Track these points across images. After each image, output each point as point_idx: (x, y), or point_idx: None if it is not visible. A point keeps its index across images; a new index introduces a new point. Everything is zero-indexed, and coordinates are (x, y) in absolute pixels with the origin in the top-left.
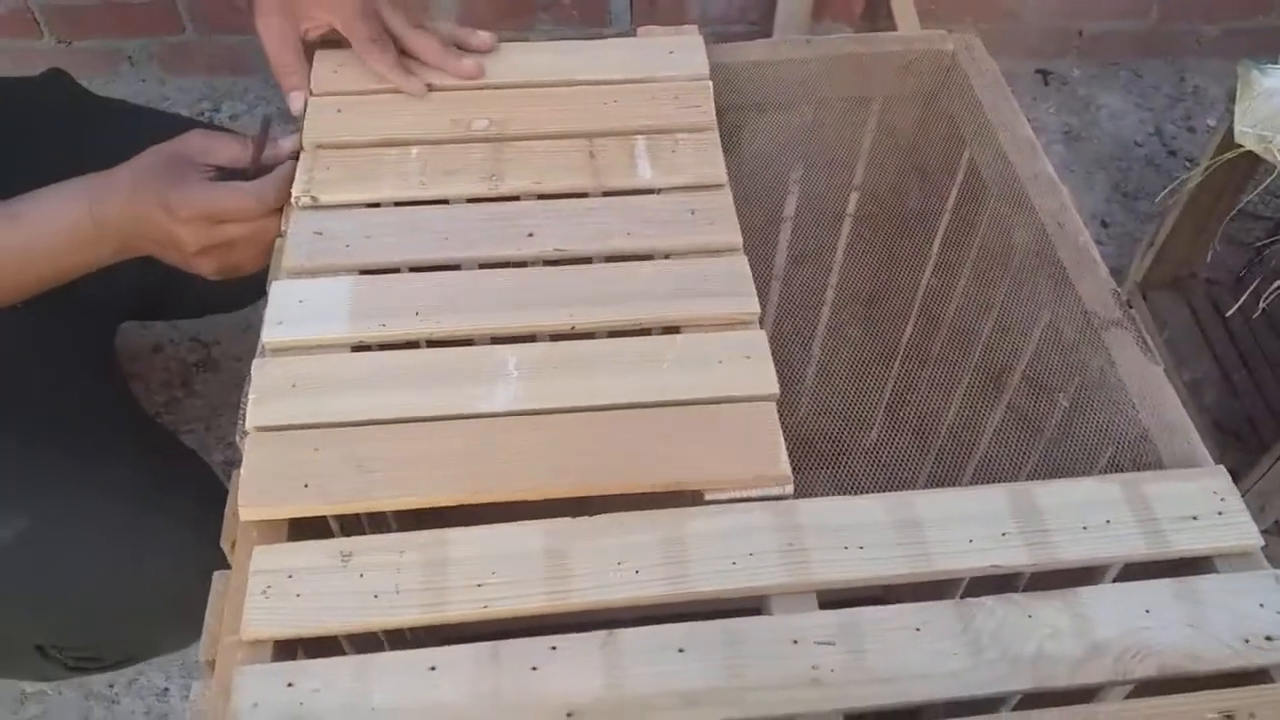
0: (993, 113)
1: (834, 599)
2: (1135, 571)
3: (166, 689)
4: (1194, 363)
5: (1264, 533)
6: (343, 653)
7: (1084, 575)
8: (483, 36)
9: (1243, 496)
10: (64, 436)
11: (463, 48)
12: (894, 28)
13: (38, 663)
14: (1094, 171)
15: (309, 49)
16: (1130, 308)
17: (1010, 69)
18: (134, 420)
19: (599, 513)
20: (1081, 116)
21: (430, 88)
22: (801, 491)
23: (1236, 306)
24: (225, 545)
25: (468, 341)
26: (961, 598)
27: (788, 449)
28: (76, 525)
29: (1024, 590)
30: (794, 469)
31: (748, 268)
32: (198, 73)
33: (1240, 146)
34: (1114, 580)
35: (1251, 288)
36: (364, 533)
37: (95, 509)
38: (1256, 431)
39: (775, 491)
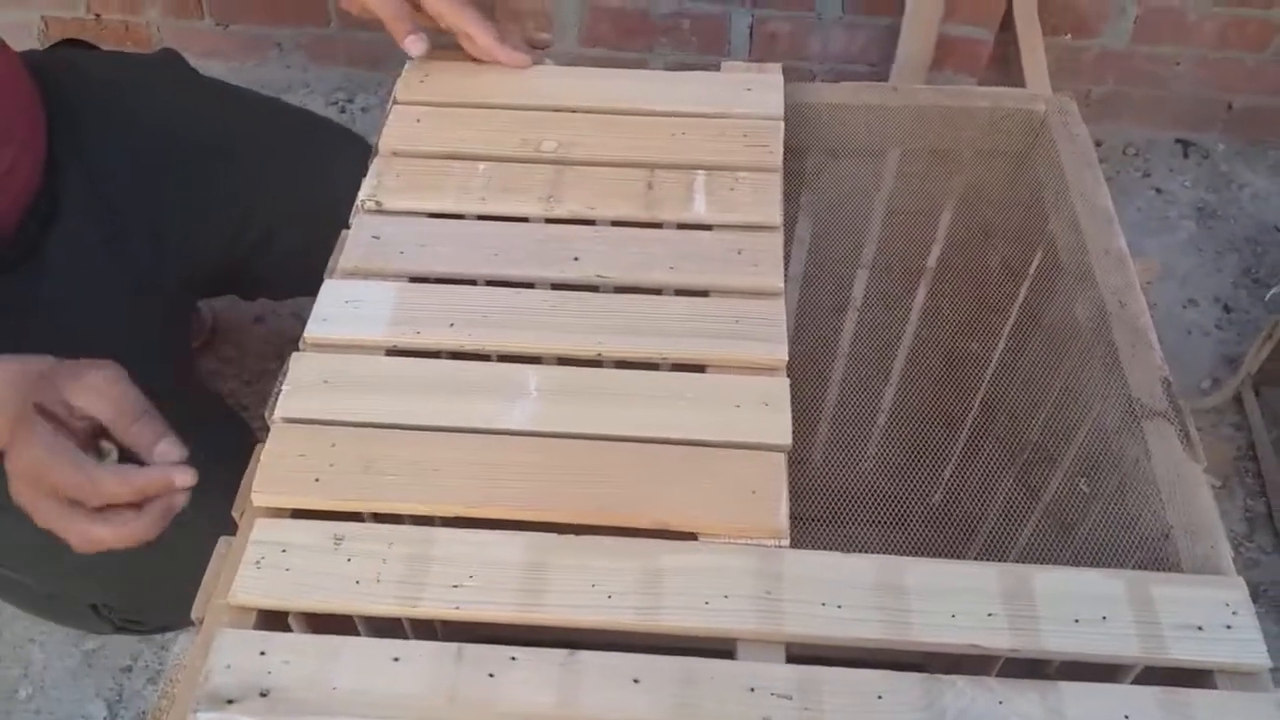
0: (1074, 180)
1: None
2: (1124, 676)
3: None
4: None
5: None
6: (353, 630)
7: (1074, 669)
8: (516, 56)
9: None
10: None
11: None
12: (1023, 83)
13: (91, 618)
14: (1225, 252)
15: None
16: (1176, 400)
17: (1149, 136)
18: (192, 388)
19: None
20: (1220, 194)
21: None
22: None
23: None
24: (235, 513)
25: (496, 357)
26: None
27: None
28: None
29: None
30: (796, 518)
31: (783, 314)
32: (338, 64)
33: None
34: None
35: None
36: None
37: None
38: None
39: (770, 544)
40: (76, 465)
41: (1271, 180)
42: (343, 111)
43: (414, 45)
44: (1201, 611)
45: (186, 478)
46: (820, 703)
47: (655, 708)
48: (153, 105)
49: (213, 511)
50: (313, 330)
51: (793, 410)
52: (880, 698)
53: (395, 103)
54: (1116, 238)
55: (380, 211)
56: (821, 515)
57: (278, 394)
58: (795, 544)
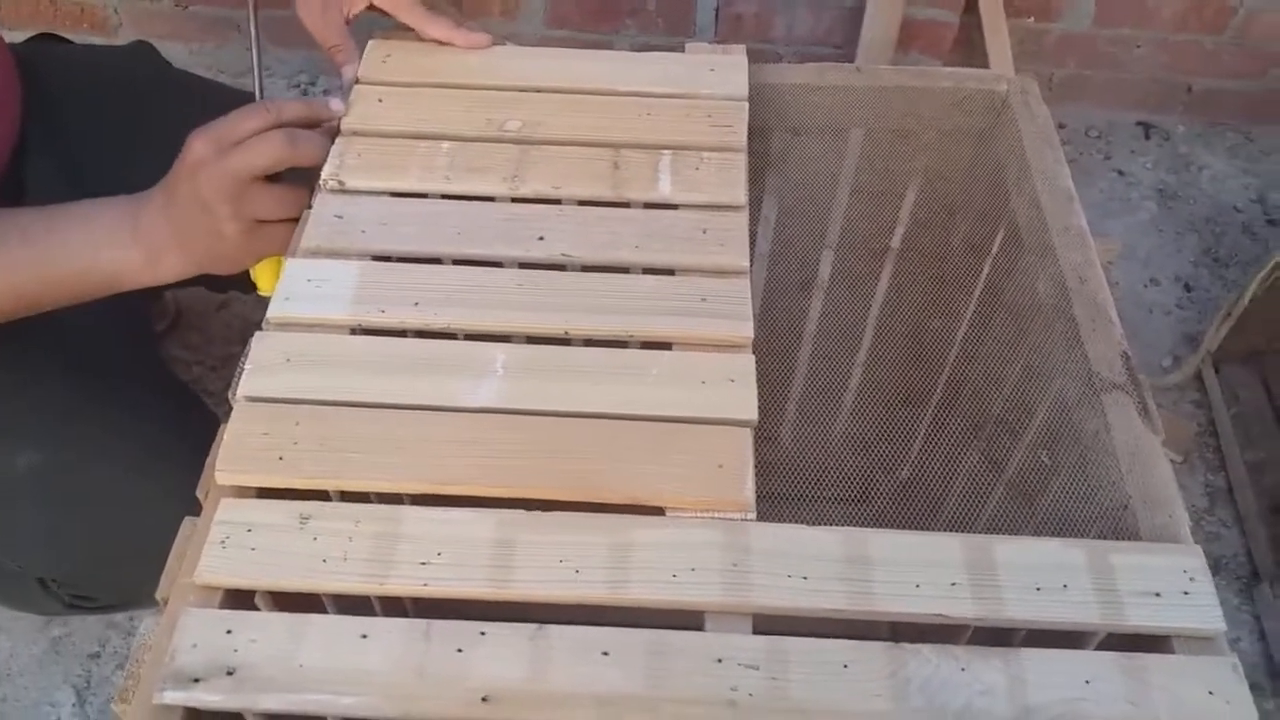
0: (1034, 159)
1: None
2: (1087, 644)
3: None
4: (1261, 442)
5: None
6: (322, 609)
7: (1038, 638)
8: (474, 37)
9: None
10: (81, 378)
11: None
12: (987, 66)
13: (39, 596)
14: (1185, 233)
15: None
16: (1135, 373)
17: (1111, 119)
18: (151, 368)
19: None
20: (1180, 175)
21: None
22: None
23: None
24: (200, 494)
25: (462, 336)
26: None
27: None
28: (85, 464)
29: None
30: (763, 495)
31: (749, 292)
32: (299, 46)
33: None
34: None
35: None
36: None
37: (104, 450)
38: None
39: (736, 518)
40: (255, 107)
41: (1229, 162)
42: (305, 94)
43: (349, 74)
44: (1159, 578)
45: (340, 105)
46: (787, 672)
47: (625, 679)
48: (126, 95)
49: (170, 491)
50: (276, 309)
51: (758, 387)
52: (846, 667)
53: (357, 82)
54: (1076, 215)
55: (342, 191)
56: (788, 493)
57: (240, 373)
58: (762, 520)
